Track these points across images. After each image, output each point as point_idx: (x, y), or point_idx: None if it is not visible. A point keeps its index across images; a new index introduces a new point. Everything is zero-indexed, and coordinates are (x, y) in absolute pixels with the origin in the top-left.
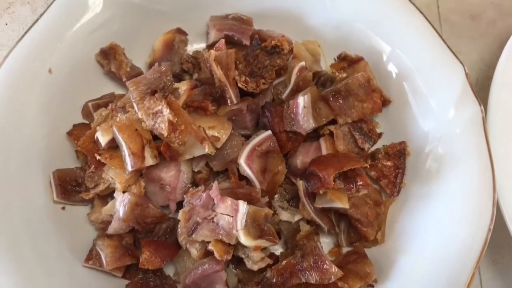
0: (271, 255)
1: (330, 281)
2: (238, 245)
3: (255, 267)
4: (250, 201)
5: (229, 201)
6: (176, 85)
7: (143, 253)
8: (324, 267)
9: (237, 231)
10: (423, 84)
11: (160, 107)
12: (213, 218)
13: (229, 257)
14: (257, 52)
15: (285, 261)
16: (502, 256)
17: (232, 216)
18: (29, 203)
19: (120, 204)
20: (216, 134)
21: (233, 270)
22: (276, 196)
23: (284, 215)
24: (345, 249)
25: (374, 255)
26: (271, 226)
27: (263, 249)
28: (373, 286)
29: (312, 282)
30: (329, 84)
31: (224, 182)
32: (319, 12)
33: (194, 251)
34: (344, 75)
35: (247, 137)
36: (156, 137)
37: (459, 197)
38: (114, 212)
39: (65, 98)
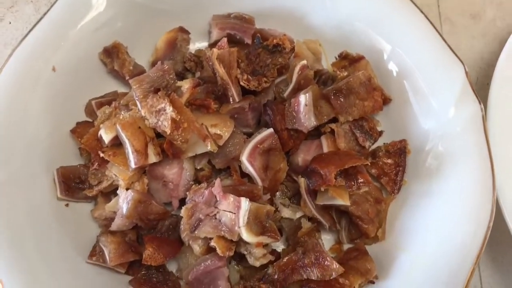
0: (273, 252)
1: (331, 278)
2: (240, 241)
3: (257, 264)
4: (252, 198)
5: (231, 198)
6: (179, 83)
7: (146, 249)
8: (325, 263)
9: (239, 227)
10: (424, 83)
11: (163, 105)
12: (215, 215)
13: (231, 254)
14: (259, 50)
15: (286, 258)
16: (501, 253)
17: (234, 213)
18: (33, 200)
19: (124, 201)
20: (218, 132)
21: (235, 266)
22: (277, 193)
23: (286, 212)
24: (346, 246)
25: (375, 252)
26: (273, 223)
27: (265, 245)
28: (373, 282)
29: (313, 278)
30: (330, 83)
31: (226, 180)
32: (319, 11)
33: (197, 248)
34: (345, 73)
35: (249, 135)
36: (159, 135)
37: (459, 195)
38: (117, 209)
39: (69, 96)
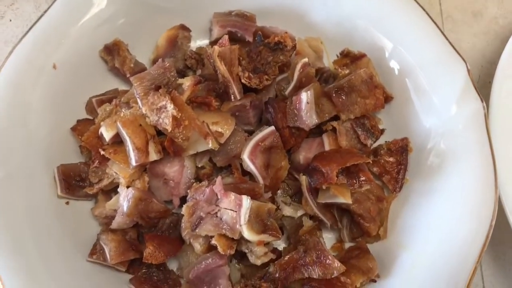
0: (274, 250)
1: (332, 276)
2: (241, 239)
3: (258, 262)
4: (253, 196)
5: (232, 196)
6: (180, 80)
7: (147, 247)
8: (327, 262)
9: (240, 225)
10: (425, 81)
11: (164, 103)
12: (216, 213)
13: (232, 252)
14: (260, 48)
15: (288, 256)
16: (503, 252)
17: (236, 211)
18: (33, 198)
19: (124, 199)
20: (219, 130)
21: (236, 265)
22: (279, 191)
23: (287, 210)
24: (347, 245)
25: (376, 251)
26: (274, 221)
27: (266, 244)
28: (375, 281)
29: (314, 277)
30: (332, 81)
31: (228, 178)
32: (321, 9)
33: (198, 246)
34: (347, 71)
35: (250, 133)
36: (160, 133)
37: (461, 193)
38: (118, 207)
39: (69, 94)
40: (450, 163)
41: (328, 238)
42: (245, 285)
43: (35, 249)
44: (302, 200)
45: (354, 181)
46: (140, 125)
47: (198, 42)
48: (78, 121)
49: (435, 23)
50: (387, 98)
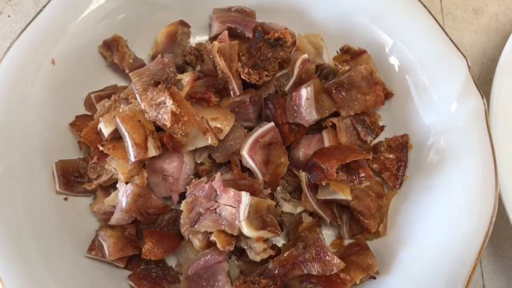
0: (273, 247)
1: (332, 273)
2: (240, 236)
3: (258, 258)
4: (253, 192)
5: (231, 192)
6: (179, 76)
7: (146, 243)
8: (326, 258)
9: (239, 222)
10: (426, 77)
11: (163, 98)
12: (215, 209)
13: (232, 248)
14: (260, 44)
15: (287, 253)
16: (503, 249)
17: (235, 207)
18: (31, 194)
19: (123, 195)
20: (219, 126)
21: (235, 261)
22: (278, 188)
23: (287, 207)
24: (346, 242)
25: (376, 247)
26: (273, 217)
27: (265, 240)
28: (375, 278)
29: (314, 273)
30: (332, 77)
31: (227, 174)
32: (321, 5)
33: (197, 242)
34: (347, 67)
35: (250, 129)
36: (159, 128)
37: (461, 190)
38: (116, 203)
39: (68, 90)
40: (450, 160)
41: (327, 235)
42: (244, 281)
43: (33, 245)
44: (301, 197)
45: (354, 177)
46: (139, 120)
47: (197, 38)
48: (77, 116)
49: (435, 19)
50: (387, 95)
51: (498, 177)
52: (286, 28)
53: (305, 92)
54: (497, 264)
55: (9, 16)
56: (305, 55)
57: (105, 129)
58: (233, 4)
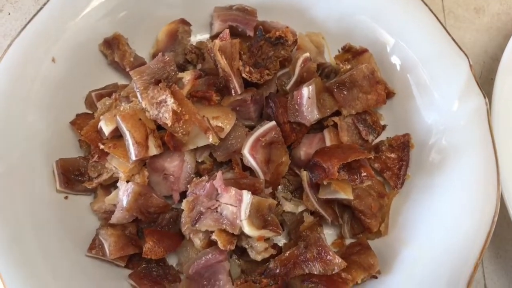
0: (274, 246)
1: (333, 272)
2: (241, 235)
3: (259, 257)
4: (254, 191)
5: (233, 191)
6: (180, 75)
7: (146, 242)
8: (328, 258)
9: (240, 221)
10: (427, 76)
11: (164, 97)
12: (217, 208)
13: (233, 247)
14: (261, 43)
15: (288, 252)
16: (505, 250)
17: (236, 206)
18: (32, 192)
19: (124, 194)
20: (220, 124)
21: (236, 260)
22: (279, 187)
23: (288, 206)
24: (348, 241)
25: (377, 247)
26: (275, 216)
27: (267, 239)
28: (376, 277)
29: (315, 273)
30: (333, 76)
31: (228, 173)
32: (322, 4)
33: (198, 241)
34: (349, 66)
35: (251, 128)
36: (159, 127)
37: (463, 189)
38: (117, 201)
39: (68, 88)
40: (452, 159)
41: (328, 234)
42: (245, 280)
43: (34, 243)
44: (303, 196)
45: (356, 176)
46: (140, 119)
47: (198, 37)
48: (77, 115)
49: (437, 18)
50: (389, 94)
51: (500, 176)
52: (287, 27)
53: (306, 91)
54: (498, 265)
55: (9, 13)
56: (307, 54)
57: (106, 128)
58: (234, 2)
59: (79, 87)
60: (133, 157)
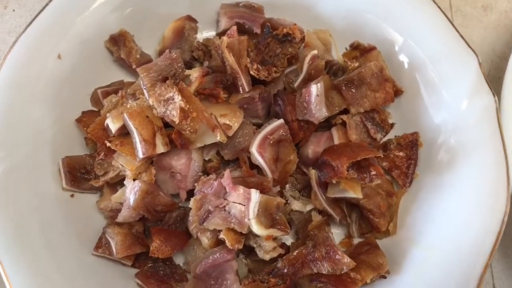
0: (282, 245)
1: (342, 272)
2: (249, 234)
3: (267, 257)
4: (262, 190)
5: (241, 189)
6: (187, 72)
7: (154, 241)
8: (336, 257)
9: (249, 220)
10: (436, 75)
11: (171, 94)
12: (225, 206)
13: (241, 246)
14: (268, 40)
15: (296, 251)
16: None
17: (244, 205)
18: (37, 190)
19: (131, 192)
20: (227, 122)
21: (243, 260)
22: (287, 185)
23: (296, 205)
24: (355, 241)
25: (386, 246)
26: (283, 215)
27: (275, 238)
28: (385, 277)
29: (324, 272)
30: (341, 74)
31: (235, 171)
32: (329, 1)
33: (205, 240)
34: (356, 64)
35: (258, 126)
36: (166, 125)
37: (473, 188)
38: (124, 200)
39: (74, 85)
40: (461, 158)
41: (336, 234)
42: (253, 280)
43: (40, 242)
44: (311, 195)
45: (365, 175)
46: (147, 116)
47: (204, 34)
48: (83, 112)
49: (445, 15)
50: (397, 92)
51: (510, 175)
52: (295, 24)
53: (315, 89)
54: (506, 264)
55: (13, 10)
56: (315, 51)
57: (113, 125)
58: None
59: (85, 84)
60: (141, 155)
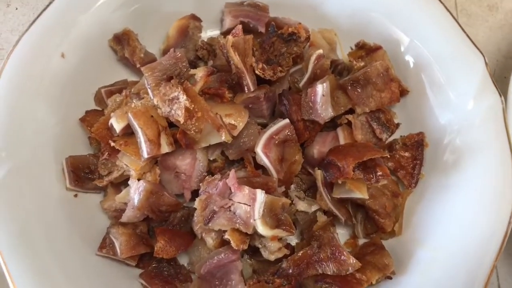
0: (287, 246)
1: (347, 273)
2: (254, 234)
3: (272, 257)
4: (267, 190)
5: (246, 190)
6: (192, 71)
7: (158, 242)
8: (342, 258)
9: (254, 220)
10: (442, 75)
11: (176, 94)
12: (230, 207)
13: (246, 247)
14: (273, 39)
15: (301, 252)
16: None
17: (250, 205)
18: (41, 190)
19: (135, 192)
20: (232, 122)
21: (247, 260)
22: (292, 186)
23: (301, 205)
24: (360, 241)
25: (391, 247)
26: (288, 216)
27: (280, 239)
28: (391, 278)
29: (329, 273)
30: (346, 73)
31: (240, 171)
32: (334, 0)
33: (210, 240)
34: (362, 63)
35: (263, 126)
36: (171, 124)
37: (478, 189)
38: (128, 200)
39: (78, 84)
40: (467, 158)
41: (341, 234)
42: (258, 280)
43: (43, 241)
44: (316, 195)
45: (371, 175)
46: (152, 116)
47: (208, 33)
48: (87, 112)
49: (452, 14)
50: (403, 92)
51: None
52: (300, 23)
53: (321, 88)
54: (511, 266)
55: (16, 8)
56: (320, 51)
57: (117, 125)
58: None
59: (89, 83)
60: (145, 155)
